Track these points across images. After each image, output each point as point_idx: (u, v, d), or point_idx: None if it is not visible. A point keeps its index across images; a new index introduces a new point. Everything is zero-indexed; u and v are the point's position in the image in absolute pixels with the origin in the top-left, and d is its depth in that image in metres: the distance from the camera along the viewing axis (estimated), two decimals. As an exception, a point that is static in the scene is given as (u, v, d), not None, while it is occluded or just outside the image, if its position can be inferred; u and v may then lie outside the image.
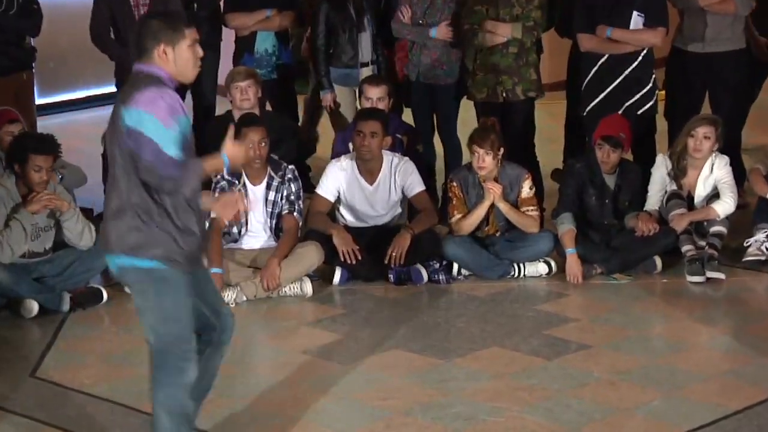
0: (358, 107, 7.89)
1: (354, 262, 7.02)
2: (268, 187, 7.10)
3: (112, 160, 4.45)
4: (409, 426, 5.11)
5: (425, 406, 5.27)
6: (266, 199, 7.09)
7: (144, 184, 4.38)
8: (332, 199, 7.30)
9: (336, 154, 7.60)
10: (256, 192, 7.08)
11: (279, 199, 7.09)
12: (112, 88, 8.85)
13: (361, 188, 7.27)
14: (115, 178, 4.43)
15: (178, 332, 4.50)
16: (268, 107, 8.50)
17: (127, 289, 6.90)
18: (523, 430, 5.02)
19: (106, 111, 9.51)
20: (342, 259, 7.04)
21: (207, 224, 6.97)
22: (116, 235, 4.42)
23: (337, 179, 7.28)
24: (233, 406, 5.36)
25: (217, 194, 7.02)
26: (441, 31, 7.89)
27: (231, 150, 4.53)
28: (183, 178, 4.35)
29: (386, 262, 7.04)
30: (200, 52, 4.50)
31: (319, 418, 5.23)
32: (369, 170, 7.29)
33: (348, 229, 7.25)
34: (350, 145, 7.41)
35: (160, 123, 4.31)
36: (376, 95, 7.52)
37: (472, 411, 5.20)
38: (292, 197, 7.10)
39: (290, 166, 7.17)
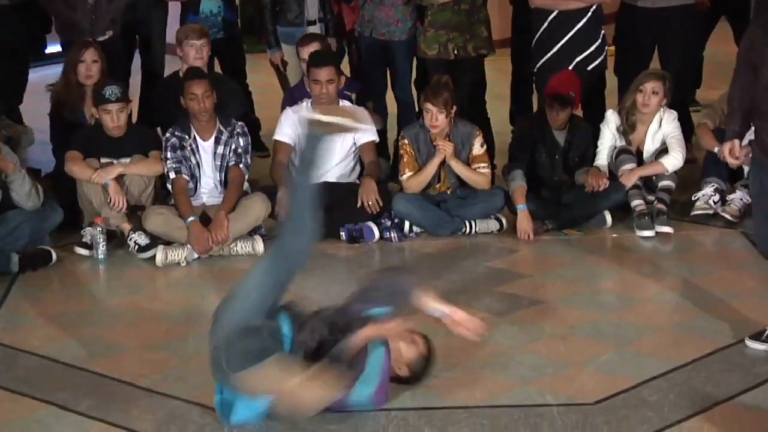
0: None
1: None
2: (217, 141, 7.08)
3: None
4: (362, 383, 5.10)
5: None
6: (215, 153, 7.08)
7: None
8: (291, 143, 7.27)
9: (286, 113, 7.57)
10: (206, 147, 7.06)
11: (227, 153, 7.08)
12: (57, 48, 8.78)
13: None
14: None
15: None
16: (217, 67, 8.46)
17: (78, 250, 6.91)
18: (476, 385, 5.04)
19: (53, 70, 9.49)
20: (281, 220, 7.05)
21: (169, 185, 6.99)
22: None
23: (292, 122, 7.27)
24: (186, 366, 5.34)
25: (168, 153, 7.01)
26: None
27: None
28: None
29: (370, 212, 7.08)
30: None
31: (271, 376, 5.21)
32: None
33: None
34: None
35: None
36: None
37: (425, 367, 5.20)
38: (240, 150, 7.09)
39: (239, 122, 7.16)
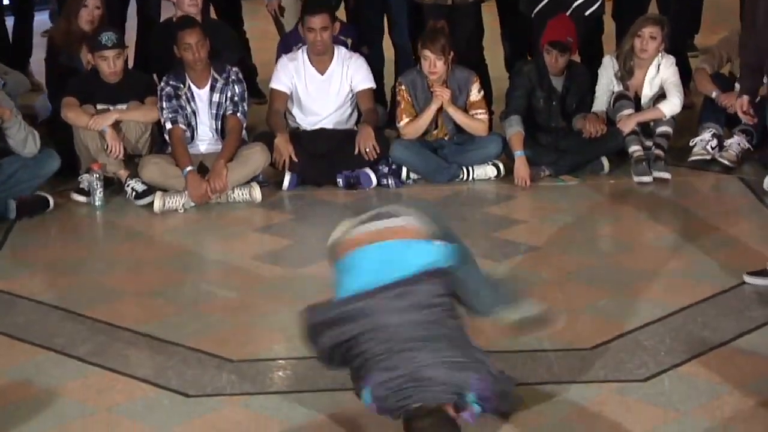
0: None
1: (281, 168, 7.05)
2: (212, 89, 7.06)
3: None
4: (360, 328, 5.11)
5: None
6: (211, 101, 7.05)
7: None
8: (287, 91, 7.26)
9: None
10: (201, 95, 7.04)
11: (223, 101, 7.06)
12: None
13: (312, 78, 7.22)
14: None
15: None
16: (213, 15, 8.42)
17: (75, 197, 6.91)
18: (474, 331, 5.01)
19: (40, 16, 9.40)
20: (278, 168, 7.05)
21: (166, 136, 6.98)
22: None
23: (288, 70, 7.25)
24: (182, 312, 5.35)
25: (164, 102, 6.99)
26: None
27: None
28: None
29: (367, 159, 7.06)
30: None
31: (269, 322, 5.23)
32: (320, 61, 7.25)
33: (300, 134, 7.22)
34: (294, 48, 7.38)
35: None
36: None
37: (422, 312, 5.21)
38: (236, 98, 7.06)
39: (234, 68, 7.13)
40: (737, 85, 7.29)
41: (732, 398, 4.39)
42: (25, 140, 6.74)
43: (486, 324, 5.09)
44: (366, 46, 7.87)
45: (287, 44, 7.67)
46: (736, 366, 4.65)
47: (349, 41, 7.71)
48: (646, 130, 7.29)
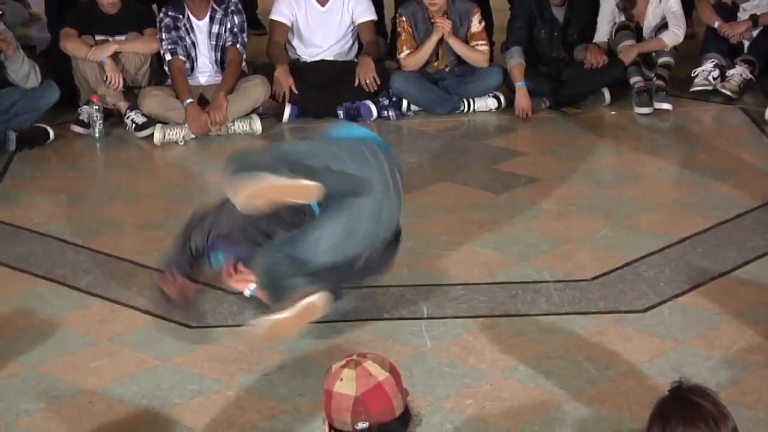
0: None
1: (281, 100, 7.03)
2: (212, 20, 7.01)
3: None
4: (360, 260, 5.13)
5: (377, 241, 5.27)
6: (210, 33, 7.01)
7: None
8: (288, 23, 7.21)
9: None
10: (201, 26, 7.00)
11: (223, 32, 7.01)
12: None
13: (313, 10, 7.18)
14: None
15: None
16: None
17: (75, 128, 6.89)
18: (474, 263, 5.07)
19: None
20: (278, 99, 7.03)
21: (166, 68, 6.94)
22: None
23: (289, 2, 7.22)
24: (184, 243, 5.35)
25: (163, 34, 6.94)
26: None
27: None
28: None
29: (368, 90, 7.03)
30: None
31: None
32: None
33: (300, 66, 7.18)
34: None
35: None
36: None
37: (424, 246, 5.22)
38: (236, 29, 7.01)
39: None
40: (739, 15, 7.28)
41: (730, 328, 4.41)
42: (28, 75, 6.71)
43: (485, 255, 5.12)
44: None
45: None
46: (735, 296, 4.67)
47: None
48: (647, 60, 7.25)
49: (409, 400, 2.83)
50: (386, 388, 2.77)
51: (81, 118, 6.95)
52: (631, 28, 7.26)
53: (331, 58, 7.28)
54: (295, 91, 7.02)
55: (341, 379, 2.77)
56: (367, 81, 7.03)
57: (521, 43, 7.20)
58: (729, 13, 7.44)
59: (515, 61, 7.13)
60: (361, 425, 2.74)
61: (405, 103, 7.15)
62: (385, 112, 7.10)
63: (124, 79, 6.96)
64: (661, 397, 2.61)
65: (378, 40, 7.45)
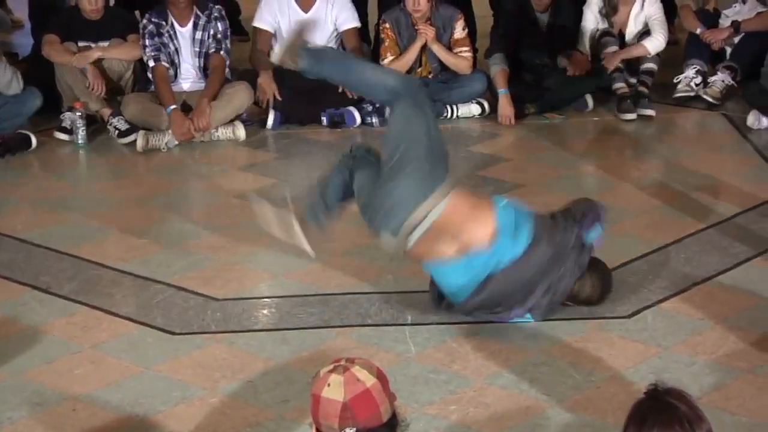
0: None
1: (265, 106, 7.02)
2: (195, 26, 7.01)
3: None
4: (347, 267, 5.12)
5: (362, 247, 5.26)
6: (193, 39, 7.01)
7: None
8: (271, 30, 7.21)
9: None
10: (184, 33, 6.99)
11: (206, 38, 7.01)
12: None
13: (296, 16, 7.18)
14: None
15: None
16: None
17: (57, 135, 6.87)
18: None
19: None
20: (262, 106, 7.03)
21: (149, 74, 6.93)
22: None
23: (272, 8, 7.20)
24: (167, 251, 5.35)
25: (146, 40, 6.94)
26: None
27: None
28: None
29: (351, 97, 7.05)
30: None
31: (254, 262, 5.23)
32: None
33: (284, 72, 7.17)
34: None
35: None
36: None
37: (407, 250, 5.22)
38: (219, 36, 7.01)
39: (217, 6, 7.07)
40: (721, 21, 7.31)
41: (714, 333, 4.42)
42: (10, 82, 6.71)
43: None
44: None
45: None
46: (718, 302, 4.68)
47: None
48: (630, 67, 7.28)
49: (396, 405, 2.83)
50: (374, 393, 2.77)
51: (64, 124, 6.93)
52: (613, 34, 7.29)
53: (315, 65, 7.27)
54: (278, 97, 7.03)
55: (329, 385, 2.77)
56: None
57: (504, 50, 7.21)
58: (711, 20, 7.47)
59: (498, 68, 7.14)
60: (348, 430, 2.74)
61: (388, 109, 7.15)
62: (369, 118, 7.11)
63: (106, 86, 6.95)
64: (637, 400, 2.61)
65: (362, 45, 7.45)
